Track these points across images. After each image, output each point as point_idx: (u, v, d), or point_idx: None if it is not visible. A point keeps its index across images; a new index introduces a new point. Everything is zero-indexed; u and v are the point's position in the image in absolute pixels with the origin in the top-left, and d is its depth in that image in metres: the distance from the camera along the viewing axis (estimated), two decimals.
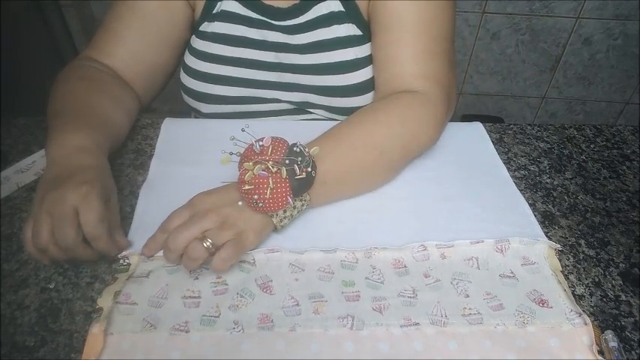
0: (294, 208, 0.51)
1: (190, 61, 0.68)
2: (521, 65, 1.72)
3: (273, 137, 0.49)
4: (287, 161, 0.48)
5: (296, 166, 0.48)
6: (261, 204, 0.48)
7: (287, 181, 0.48)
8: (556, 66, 1.71)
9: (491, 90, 1.80)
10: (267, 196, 0.47)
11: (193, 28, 0.68)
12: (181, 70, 0.70)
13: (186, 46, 0.69)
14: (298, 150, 0.49)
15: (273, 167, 0.47)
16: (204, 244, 0.46)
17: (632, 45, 1.64)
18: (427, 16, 0.60)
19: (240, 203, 0.49)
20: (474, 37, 1.63)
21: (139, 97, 0.67)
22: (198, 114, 0.72)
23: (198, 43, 0.67)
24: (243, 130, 0.48)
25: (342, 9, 0.64)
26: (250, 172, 0.47)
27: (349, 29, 0.64)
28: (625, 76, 1.73)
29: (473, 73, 1.74)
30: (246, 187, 0.47)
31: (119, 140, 0.61)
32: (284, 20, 0.65)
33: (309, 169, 0.49)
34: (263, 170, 0.47)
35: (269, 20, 0.65)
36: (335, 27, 0.64)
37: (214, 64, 0.66)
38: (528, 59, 1.70)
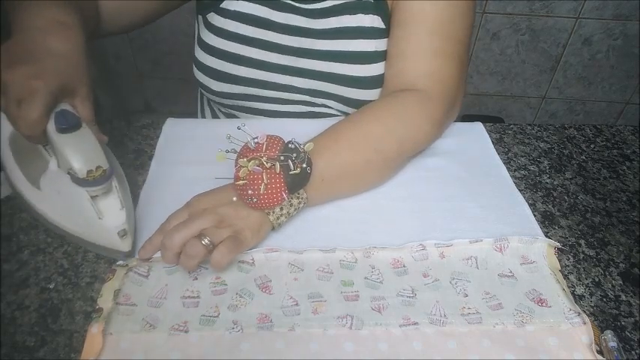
0: (291, 205, 0.51)
1: (208, 37, 0.67)
2: (521, 65, 1.72)
3: (268, 135, 0.49)
4: (281, 157, 0.48)
5: (290, 162, 0.48)
6: (255, 199, 0.48)
7: (281, 177, 0.48)
8: (556, 66, 1.71)
9: (491, 90, 1.80)
10: (262, 192, 0.47)
11: (213, 5, 0.67)
12: (196, 46, 0.69)
13: (174, 9, 0.68)
14: (293, 146, 0.50)
15: (267, 163, 0.47)
16: (203, 242, 0.46)
17: (632, 45, 1.64)
18: (444, 16, 0.60)
19: (234, 199, 0.50)
20: (474, 37, 1.63)
21: (103, 18, 0.62)
22: (207, 91, 0.71)
23: (219, 21, 0.66)
24: (239, 128, 0.49)
25: (371, 0, 0.64)
26: (245, 168, 0.47)
27: (374, 21, 0.64)
28: (625, 76, 1.73)
29: (473, 73, 1.74)
30: (241, 182, 0.48)
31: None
32: (309, 3, 0.65)
33: (304, 165, 0.49)
34: (257, 166, 0.47)
35: (293, 3, 0.65)
36: (360, 16, 0.64)
37: (233, 43, 0.66)
38: (528, 59, 1.70)
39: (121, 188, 0.49)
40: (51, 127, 0.44)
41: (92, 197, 0.46)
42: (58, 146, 0.44)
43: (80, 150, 0.45)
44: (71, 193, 0.46)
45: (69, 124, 0.44)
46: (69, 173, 0.45)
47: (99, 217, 0.46)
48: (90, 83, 0.48)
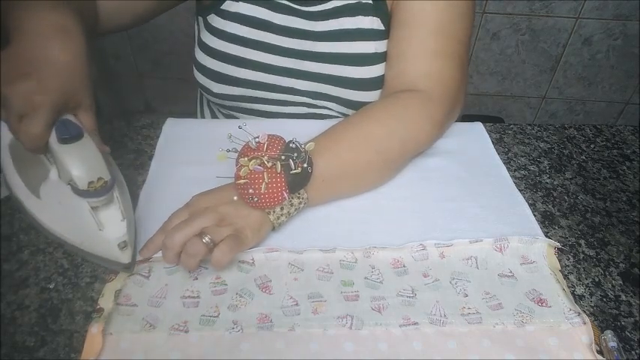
0: (292, 205, 0.51)
1: (208, 39, 0.66)
2: (521, 65, 1.72)
3: (269, 134, 0.49)
4: (283, 157, 0.48)
5: (291, 161, 0.48)
6: (256, 199, 0.48)
7: (282, 176, 0.48)
8: (556, 66, 1.71)
9: (491, 90, 1.80)
10: (263, 191, 0.47)
11: (213, 7, 0.66)
12: (196, 47, 0.69)
13: (171, 7, 0.68)
14: (294, 146, 0.50)
15: (268, 162, 0.47)
16: (203, 240, 0.46)
17: (632, 45, 1.64)
18: (444, 16, 0.61)
19: (235, 198, 0.50)
20: (474, 37, 1.63)
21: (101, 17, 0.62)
22: (207, 93, 0.71)
23: (219, 22, 0.66)
24: (240, 128, 0.49)
25: (370, 1, 0.64)
26: (246, 167, 0.47)
27: (374, 22, 0.64)
28: (625, 76, 1.73)
29: (473, 73, 1.74)
30: (242, 181, 0.48)
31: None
32: (309, 5, 0.65)
33: (305, 165, 0.49)
34: (258, 165, 0.47)
35: (293, 5, 0.65)
36: (360, 18, 0.64)
37: (233, 45, 0.66)
38: (528, 59, 1.70)
39: (122, 199, 0.49)
40: (52, 137, 0.44)
41: (93, 208, 0.46)
42: (59, 156, 0.44)
43: (81, 161, 0.44)
44: (72, 204, 0.46)
45: (71, 135, 0.44)
46: (70, 184, 0.45)
47: (99, 229, 0.46)
48: (92, 93, 0.48)
